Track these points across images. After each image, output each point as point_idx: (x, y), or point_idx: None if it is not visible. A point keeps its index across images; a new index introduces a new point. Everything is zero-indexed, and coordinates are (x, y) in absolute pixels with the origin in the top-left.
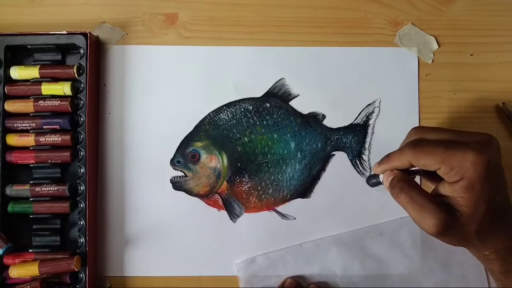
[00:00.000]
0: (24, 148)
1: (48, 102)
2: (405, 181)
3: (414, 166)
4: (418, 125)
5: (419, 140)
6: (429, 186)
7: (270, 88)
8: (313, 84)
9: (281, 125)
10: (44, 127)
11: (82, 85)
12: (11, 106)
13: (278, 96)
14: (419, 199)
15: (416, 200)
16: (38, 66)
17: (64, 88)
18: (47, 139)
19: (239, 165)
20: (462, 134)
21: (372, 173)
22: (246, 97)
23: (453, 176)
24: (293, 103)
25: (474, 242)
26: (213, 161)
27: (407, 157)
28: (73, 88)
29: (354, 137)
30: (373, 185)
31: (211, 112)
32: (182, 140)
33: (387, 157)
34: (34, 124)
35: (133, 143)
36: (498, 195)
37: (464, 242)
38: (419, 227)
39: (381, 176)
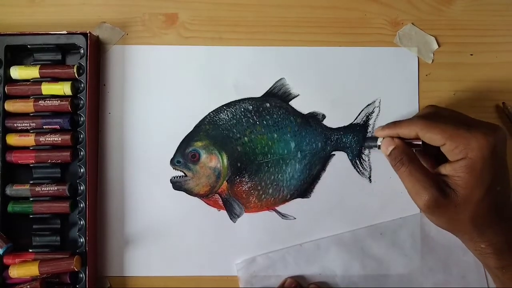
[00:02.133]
0: (24, 148)
1: (48, 102)
2: (407, 154)
3: (418, 139)
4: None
5: (432, 113)
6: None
7: (270, 88)
8: (313, 84)
9: (281, 125)
10: (44, 127)
11: (82, 85)
12: (11, 106)
13: (278, 96)
14: (417, 174)
15: (414, 174)
16: (38, 66)
17: (64, 88)
18: (47, 139)
19: (239, 165)
20: (473, 120)
21: (374, 135)
22: (246, 97)
23: (457, 154)
24: (293, 103)
25: (469, 232)
26: (213, 161)
27: (416, 127)
28: (73, 88)
29: (354, 137)
30: (369, 147)
31: (211, 112)
32: (182, 140)
33: (394, 123)
34: (34, 124)
35: (133, 143)
36: (499, 186)
37: (458, 227)
38: (418, 228)
39: (379, 140)
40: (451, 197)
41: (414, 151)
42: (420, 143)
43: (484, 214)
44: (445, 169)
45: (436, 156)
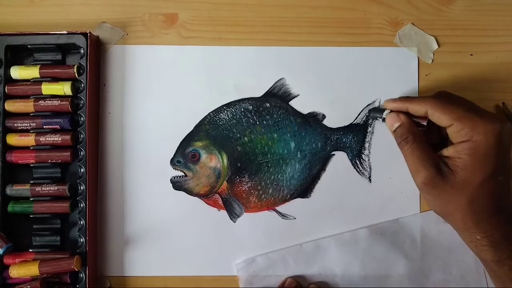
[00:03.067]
0: (24, 148)
1: (48, 102)
2: (412, 133)
3: (425, 118)
4: None
5: (444, 95)
6: None
7: (270, 88)
8: (313, 84)
9: (281, 125)
10: (44, 127)
11: (82, 85)
12: (11, 106)
13: (278, 96)
14: (418, 152)
15: (415, 153)
16: (38, 66)
17: (64, 88)
18: (47, 139)
19: (239, 165)
20: (483, 109)
21: (382, 106)
22: (246, 97)
23: (462, 136)
24: (293, 103)
25: (465, 220)
26: (213, 161)
27: (427, 105)
28: (73, 88)
29: (354, 137)
30: (373, 118)
31: (211, 112)
32: (182, 140)
33: (406, 97)
34: (34, 124)
35: (133, 143)
36: (501, 176)
37: (454, 212)
38: (418, 228)
39: (385, 113)
40: (448, 178)
41: None
42: (425, 123)
43: (482, 201)
44: (447, 151)
45: (438, 145)
